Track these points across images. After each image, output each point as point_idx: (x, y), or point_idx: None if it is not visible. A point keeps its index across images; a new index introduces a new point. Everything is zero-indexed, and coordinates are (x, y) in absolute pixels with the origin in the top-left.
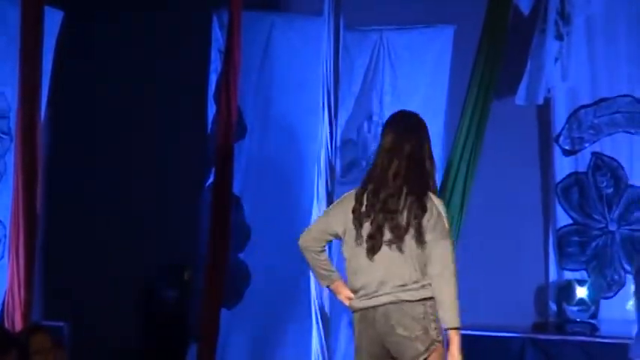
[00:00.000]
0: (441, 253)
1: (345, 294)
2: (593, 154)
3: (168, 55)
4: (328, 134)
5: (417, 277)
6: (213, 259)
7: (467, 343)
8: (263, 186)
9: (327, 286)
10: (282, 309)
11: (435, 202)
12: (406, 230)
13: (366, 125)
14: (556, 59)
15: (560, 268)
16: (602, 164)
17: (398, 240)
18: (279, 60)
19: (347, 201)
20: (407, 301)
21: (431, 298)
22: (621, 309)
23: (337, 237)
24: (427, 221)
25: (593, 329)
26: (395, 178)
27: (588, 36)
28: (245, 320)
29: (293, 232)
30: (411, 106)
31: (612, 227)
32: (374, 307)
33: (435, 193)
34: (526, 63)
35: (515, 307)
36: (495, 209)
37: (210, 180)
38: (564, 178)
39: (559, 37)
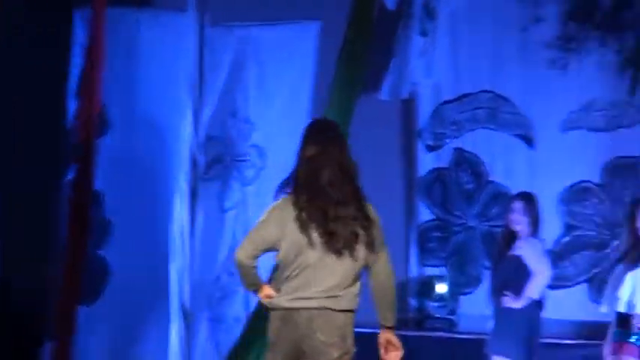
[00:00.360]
0: (385, 257)
1: (265, 292)
2: (455, 149)
3: (26, 48)
4: (192, 130)
5: (350, 284)
6: (72, 255)
7: None
8: (126, 182)
9: (253, 291)
10: (143, 305)
11: (372, 210)
12: (353, 239)
13: (230, 121)
14: (420, 55)
15: (421, 264)
16: (464, 160)
17: (345, 248)
18: (144, 56)
19: (282, 211)
20: (331, 309)
21: (353, 310)
22: (480, 305)
23: (272, 248)
24: (374, 230)
25: (452, 325)
26: (331, 188)
27: (452, 32)
28: (104, 317)
29: (155, 228)
30: (277, 103)
31: (472, 223)
32: (298, 310)
33: (365, 199)
34: (391, 58)
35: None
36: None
37: (70, 176)
38: (426, 174)
39: (423, 32)
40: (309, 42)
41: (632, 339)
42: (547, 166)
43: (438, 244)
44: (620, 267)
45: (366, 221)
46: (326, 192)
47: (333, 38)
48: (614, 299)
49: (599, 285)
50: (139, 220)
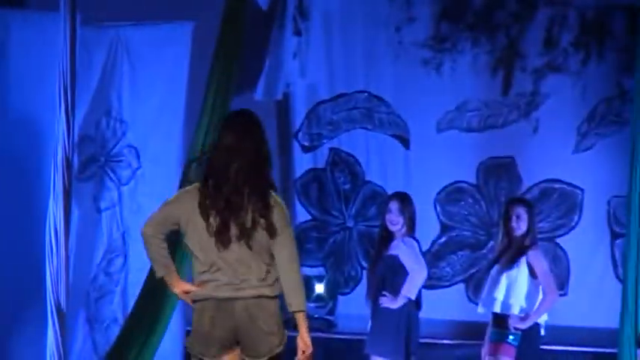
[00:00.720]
0: (288, 242)
1: (181, 287)
2: (331, 150)
3: None
4: (65, 130)
5: (267, 270)
6: None
7: None
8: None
9: (163, 277)
10: (18, 306)
11: (276, 198)
12: (253, 227)
13: (104, 121)
14: (295, 55)
15: (300, 264)
16: (340, 160)
17: (245, 236)
18: (16, 57)
19: (190, 194)
20: (266, 296)
21: (278, 296)
22: (359, 305)
23: (177, 227)
24: (274, 217)
25: (331, 325)
26: (237, 176)
27: (326, 32)
28: None
29: (30, 228)
30: (151, 103)
31: (350, 223)
32: (232, 299)
33: (274, 189)
34: (265, 59)
35: None
36: None
37: None
38: (303, 175)
39: (297, 32)
40: (183, 42)
41: (509, 339)
42: (423, 167)
43: (315, 245)
44: (496, 267)
45: (265, 209)
46: (230, 181)
47: (206, 38)
48: (491, 300)
49: (476, 285)
50: (14, 220)
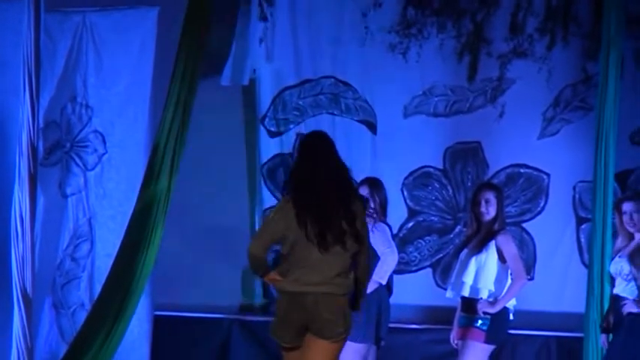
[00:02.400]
0: (366, 250)
1: (270, 277)
2: (298, 135)
3: None
4: (30, 116)
5: (344, 272)
6: None
7: (169, 325)
8: None
9: (260, 275)
10: None
11: (360, 206)
12: (344, 234)
13: (69, 107)
14: (260, 40)
15: None
16: None
17: (337, 242)
18: None
19: (286, 210)
20: (334, 294)
21: (347, 294)
22: None
23: (278, 242)
24: (359, 225)
25: None
26: (323, 190)
27: (292, 17)
28: None
29: None
30: (117, 89)
31: None
32: (305, 293)
33: (359, 199)
34: (231, 44)
35: (222, 288)
36: (202, 191)
37: None
38: (269, 159)
39: (263, 18)
40: (148, 27)
41: (478, 323)
42: (390, 152)
43: None
44: (465, 251)
45: (351, 216)
46: (318, 193)
47: (172, 24)
48: (460, 284)
49: (443, 270)
50: None
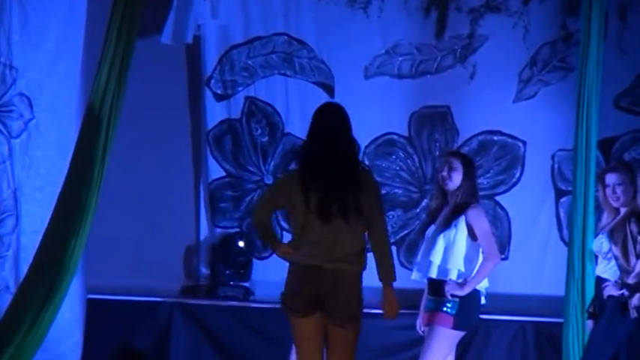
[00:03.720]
0: (379, 221)
1: (282, 249)
2: (247, 98)
3: None
4: None
5: (361, 246)
6: None
7: (104, 310)
8: None
9: (271, 246)
10: None
11: (369, 179)
12: (348, 206)
13: None
14: None
15: (213, 225)
16: (257, 110)
17: (340, 214)
18: None
19: (290, 180)
20: (350, 271)
21: (362, 270)
22: (279, 271)
23: (282, 209)
24: (365, 198)
25: (247, 293)
26: (333, 162)
27: None
28: None
29: None
30: (44, 47)
31: (268, 180)
32: (320, 268)
33: (365, 170)
34: None
35: (163, 268)
36: (141, 160)
37: None
38: (216, 126)
39: None
40: None
41: (446, 307)
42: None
43: (230, 204)
44: (432, 228)
45: (356, 190)
46: (324, 167)
47: None
48: (426, 264)
49: (409, 248)
50: None
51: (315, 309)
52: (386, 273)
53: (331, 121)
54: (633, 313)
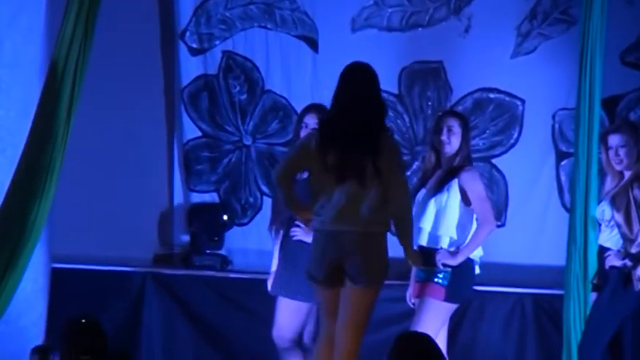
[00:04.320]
0: (397, 184)
1: (304, 216)
2: (224, 53)
3: None
4: None
5: (381, 208)
6: None
7: (70, 280)
8: None
9: (294, 210)
10: None
11: (389, 141)
12: (366, 167)
13: None
14: None
15: (188, 189)
16: (235, 65)
17: (358, 175)
18: None
19: (310, 141)
20: (373, 232)
21: (385, 232)
22: (259, 238)
23: (304, 170)
24: (384, 159)
25: (225, 262)
26: (353, 122)
27: None
28: None
29: None
30: None
31: (247, 141)
32: (342, 232)
33: (387, 132)
34: None
35: (134, 235)
36: (110, 119)
37: None
38: (191, 83)
39: None
40: None
41: (437, 278)
42: (334, 74)
43: (207, 166)
44: (423, 192)
45: (375, 153)
46: (343, 127)
47: None
48: (416, 231)
49: None
50: None
51: (339, 279)
52: (404, 239)
53: (353, 82)
54: (637, 285)
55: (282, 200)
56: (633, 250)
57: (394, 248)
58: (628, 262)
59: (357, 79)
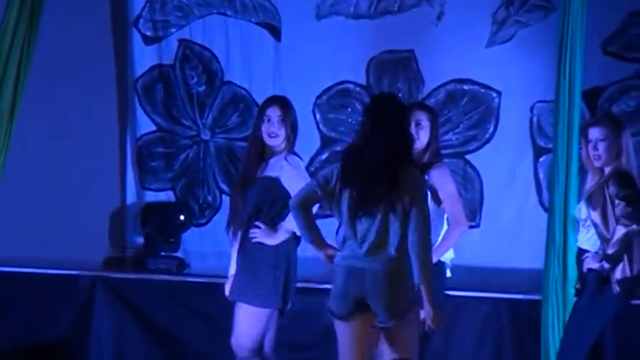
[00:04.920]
0: (418, 217)
1: (326, 251)
2: (181, 41)
3: None
4: None
5: (399, 243)
6: None
7: (13, 285)
8: None
9: (311, 242)
10: None
11: (412, 174)
12: (388, 202)
13: None
14: None
15: (141, 187)
16: (192, 55)
17: (384, 209)
18: None
19: (332, 172)
20: (396, 269)
21: (409, 267)
22: (217, 240)
23: (322, 200)
24: (406, 192)
25: (181, 266)
26: (376, 153)
27: None
28: None
29: None
30: None
31: (205, 135)
32: (364, 269)
33: (411, 164)
34: None
35: (82, 237)
36: (57, 112)
37: None
38: (145, 73)
39: None
40: None
41: None
42: (298, 64)
43: (162, 163)
44: None
45: (399, 184)
46: (364, 161)
47: None
48: None
49: None
50: None
51: (361, 312)
52: (422, 276)
53: (378, 113)
54: (615, 288)
55: (300, 231)
56: (610, 251)
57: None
58: (605, 265)
59: (383, 110)
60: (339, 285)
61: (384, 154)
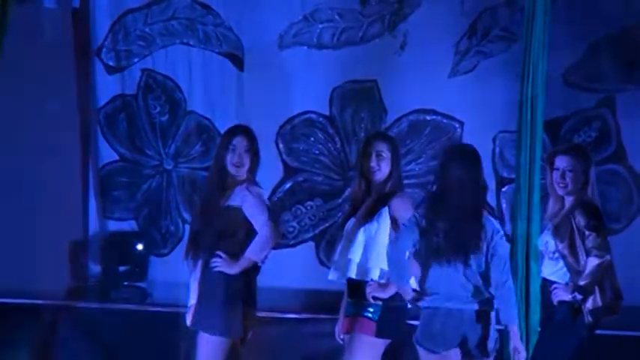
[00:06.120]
0: (500, 262)
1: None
2: (144, 71)
3: None
4: None
5: (478, 287)
6: None
7: None
8: None
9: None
10: None
11: (490, 221)
12: (469, 248)
13: None
14: None
15: (104, 216)
16: (155, 84)
17: (461, 256)
18: None
19: (416, 218)
20: (475, 310)
21: (488, 310)
22: (179, 269)
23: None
24: (485, 238)
25: (143, 295)
26: (454, 206)
27: None
28: None
29: None
30: None
31: (168, 165)
32: (450, 310)
33: (490, 213)
34: None
35: (44, 266)
36: (19, 141)
37: None
38: (108, 102)
39: None
40: None
41: (368, 313)
42: (261, 93)
43: (124, 192)
44: (352, 221)
45: (479, 232)
46: (448, 209)
47: None
48: (345, 262)
49: (330, 244)
50: None
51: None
52: (503, 321)
53: (461, 165)
54: (588, 318)
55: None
56: (582, 283)
57: (322, 278)
58: (578, 296)
59: (465, 162)
60: (436, 327)
61: (469, 208)
